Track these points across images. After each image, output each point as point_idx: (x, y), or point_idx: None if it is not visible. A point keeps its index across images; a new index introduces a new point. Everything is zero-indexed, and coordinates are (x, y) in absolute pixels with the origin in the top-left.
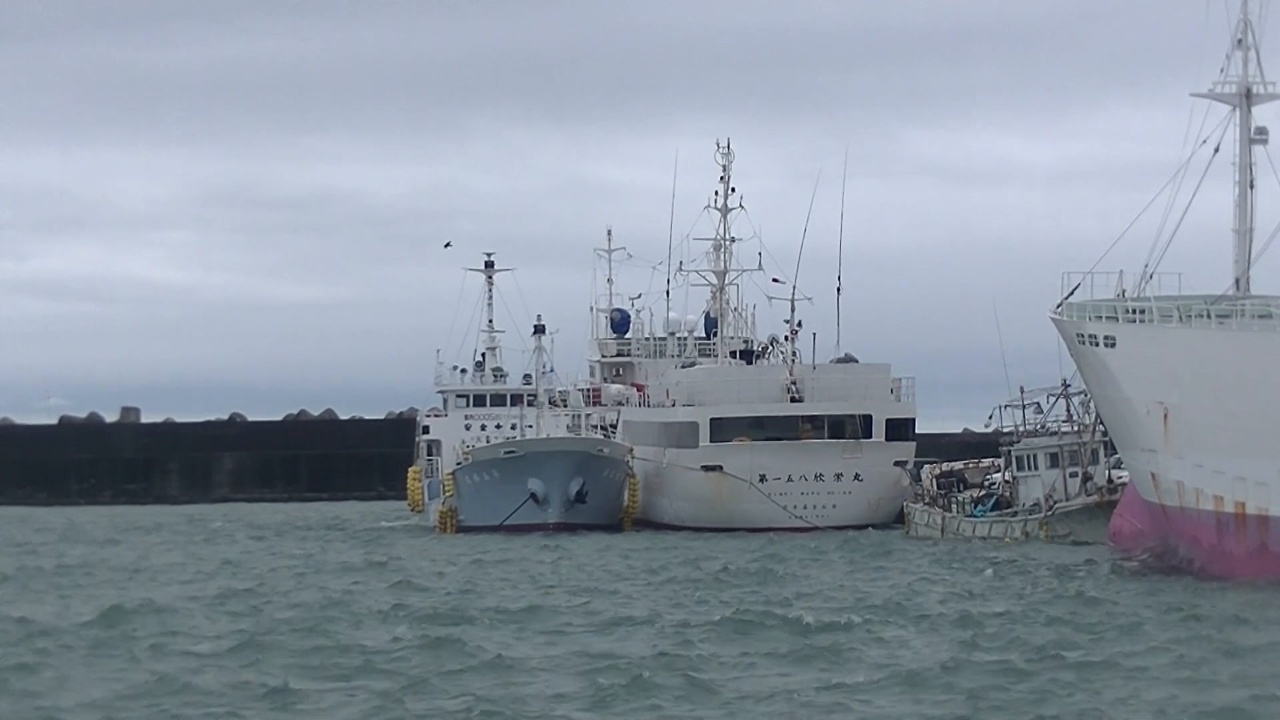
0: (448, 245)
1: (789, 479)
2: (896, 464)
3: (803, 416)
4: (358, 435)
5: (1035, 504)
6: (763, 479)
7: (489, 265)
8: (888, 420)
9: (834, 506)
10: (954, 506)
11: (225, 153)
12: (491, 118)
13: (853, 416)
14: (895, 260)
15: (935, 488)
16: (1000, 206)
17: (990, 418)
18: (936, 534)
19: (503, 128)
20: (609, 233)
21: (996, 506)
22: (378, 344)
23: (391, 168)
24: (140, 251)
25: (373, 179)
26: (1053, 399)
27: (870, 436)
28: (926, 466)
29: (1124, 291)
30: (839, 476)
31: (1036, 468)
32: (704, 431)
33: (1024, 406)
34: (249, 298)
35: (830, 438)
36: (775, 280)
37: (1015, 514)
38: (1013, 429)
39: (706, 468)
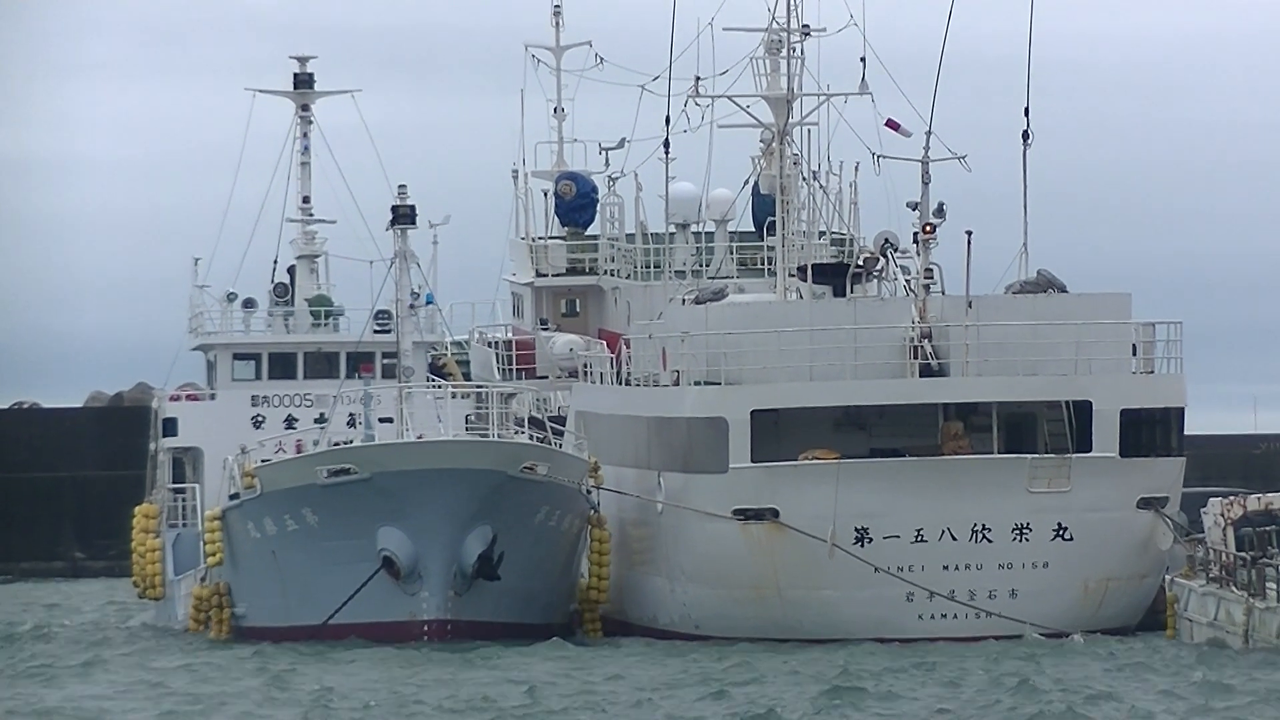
0: None
1: (918, 538)
2: (1145, 504)
3: (947, 406)
4: (26, 441)
5: None
6: (862, 538)
7: (302, 83)
8: (1125, 413)
9: (1013, 594)
10: (1270, 581)
11: None
12: None
13: (1053, 406)
14: (1147, 73)
15: (1233, 545)
16: None
17: None
18: (1237, 639)
19: None
20: (556, 11)
21: None
22: (65, 251)
23: None
24: None
25: None
26: None
27: (1090, 448)
28: (1215, 503)
29: None
30: (1022, 532)
31: None
32: (739, 437)
33: None
34: None
35: (1005, 451)
36: (891, 124)
37: None
38: None
39: (744, 513)
